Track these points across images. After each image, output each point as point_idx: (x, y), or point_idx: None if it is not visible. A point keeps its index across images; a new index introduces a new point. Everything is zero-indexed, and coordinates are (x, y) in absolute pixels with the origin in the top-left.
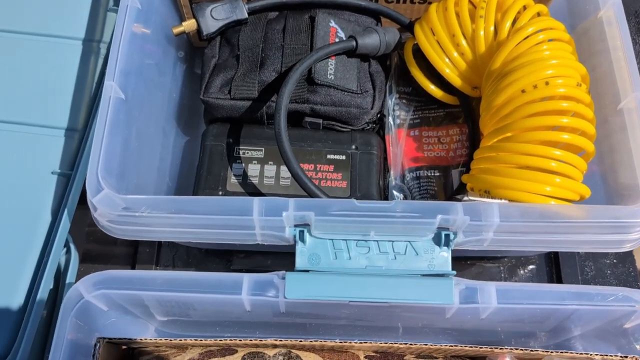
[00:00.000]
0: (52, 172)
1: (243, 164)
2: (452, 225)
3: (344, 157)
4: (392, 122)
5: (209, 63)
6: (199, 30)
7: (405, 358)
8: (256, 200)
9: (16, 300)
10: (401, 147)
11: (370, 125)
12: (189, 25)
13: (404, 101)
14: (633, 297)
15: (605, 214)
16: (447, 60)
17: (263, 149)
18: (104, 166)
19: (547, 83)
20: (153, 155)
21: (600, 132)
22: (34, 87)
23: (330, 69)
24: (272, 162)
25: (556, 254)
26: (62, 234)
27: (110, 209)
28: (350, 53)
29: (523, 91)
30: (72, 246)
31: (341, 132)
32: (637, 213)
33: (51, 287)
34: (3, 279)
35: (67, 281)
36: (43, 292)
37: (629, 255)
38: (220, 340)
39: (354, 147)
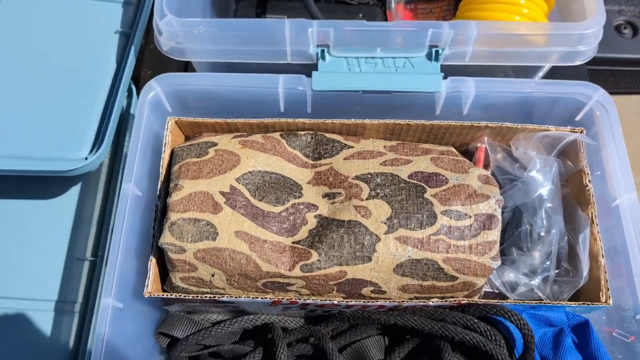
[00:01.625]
0: (114, 32)
1: None
2: (440, 41)
3: None
4: None
5: None
6: None
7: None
8: (287, 20)
9: (89, 131)
10: (399, 16)
11: (374, 2)
12: None
13: None
14: (587, 91)
15: (560, 26)
16: None
17: (285, 15)
18: (167, 0)
19: None
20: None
21: None
22: None
23: None
24: None
25: None
26: (126, 80)
27: (173, 28)
28: None
29: None
30: (133, 89)
31: (351, 5)
32: (586, 26)
33: (115, 127)
34: (77, 117)
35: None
36: (111, 128)
37: None
38: (262, 120)
39: (361, 15)
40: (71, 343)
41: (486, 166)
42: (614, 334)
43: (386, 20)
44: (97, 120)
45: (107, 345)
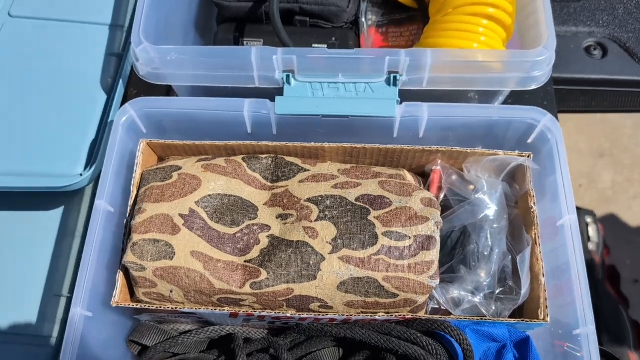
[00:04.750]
0: (109, 54)
1: None
2: (398, 68)
3: (326, 46)
4: (365, 23)
5: None
6: None
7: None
8: (253, 48)
9: (83, 148)
10: (371, 39)
11: (348, 25)
12: None
13: (375, 8)
14: (536, 116)
15: (515, 54)
16: None
17: (262, 39)
18: (143, 29)
19: None
20: (177, 45)
21: (520, 17)
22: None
23: None
24: None
25: None
26: (119, 98)
27: (148, 55)
28: None
29: None
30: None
31: (325, 29)
32: (538, 53)
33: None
34: (72, 135)
35: None
36: (105, 145)
37: None
38: (228, 142)
39: (334, 39)
40: None
41: (440, 188)
42: (565, 347)
43: (359, 43)
44: (92, 138)
45: (79, 350)
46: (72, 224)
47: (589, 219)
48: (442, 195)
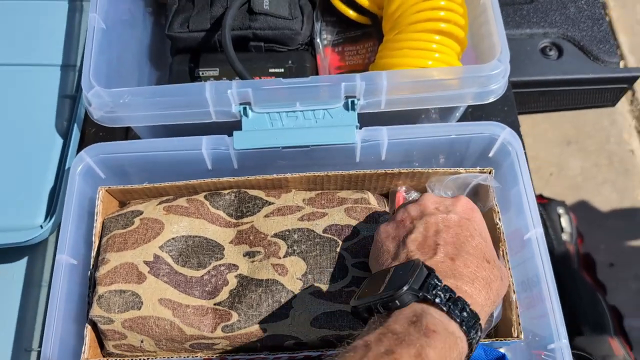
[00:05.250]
0: (61, 96)
1: (202, 82)
2: (354, 92)
3: (282, 70)
4: (320, 43)
5: (172, 8)
6: None
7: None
8: (207, 83)
9: (43, 198)
10: (328, 59)
11: (304, 47)
12: None
13: (329, 27)
14: (495, 130)
15: (470, 69)
16: None
17: (218, 68)
18: (94, 72)
19: None
20: (131, 82)
21: (473, 28)
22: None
23: (266, 1)
24: (225, 78)
25: None
26: (74, 144)
27: (101, 99)
28: None
29: None
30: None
31: (280, 52)
32: (492, 67)
33: None
34: (29, 184)
35: None
36: (63, 193)
37: None
38: (188, 182)
39: (290, 62)
40: None
41: None
42: (542, 356)
43: (316, 64)
44: (50, 186)
45: None
46: (37, 274)
47: (560, 210)
48: None
